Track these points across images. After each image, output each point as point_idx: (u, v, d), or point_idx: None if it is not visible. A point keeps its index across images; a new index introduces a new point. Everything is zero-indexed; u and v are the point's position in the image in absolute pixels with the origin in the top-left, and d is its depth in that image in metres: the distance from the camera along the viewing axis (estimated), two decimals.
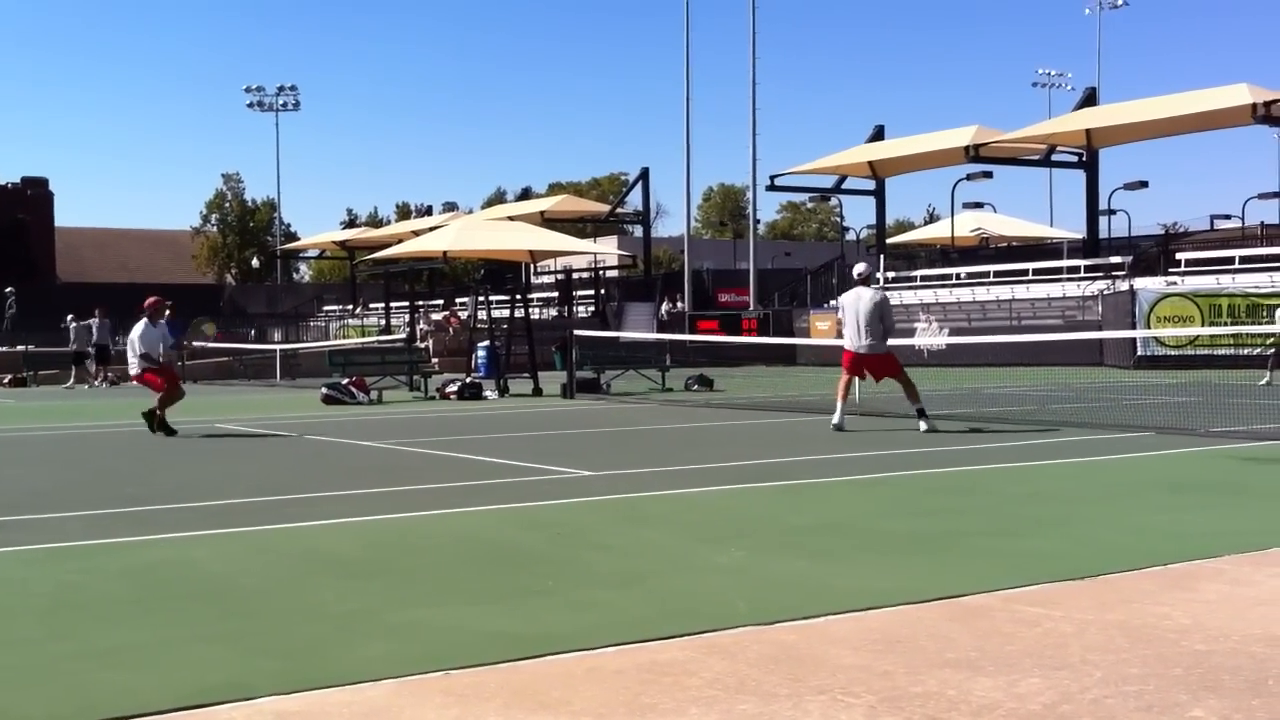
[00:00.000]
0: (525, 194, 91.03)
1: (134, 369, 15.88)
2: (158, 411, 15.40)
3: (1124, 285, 32.94)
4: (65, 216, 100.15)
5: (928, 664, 4.38)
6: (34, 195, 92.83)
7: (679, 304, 47.63)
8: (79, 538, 7.47)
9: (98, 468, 12.00)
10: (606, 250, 52.51)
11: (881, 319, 14.50)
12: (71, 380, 33.62)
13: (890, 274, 43.28)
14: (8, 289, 39.99)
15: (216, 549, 7.05)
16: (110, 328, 34.51)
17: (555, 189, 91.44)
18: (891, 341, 14.98)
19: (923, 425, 13.85)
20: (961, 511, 8.15)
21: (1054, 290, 35.85)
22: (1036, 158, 42.87)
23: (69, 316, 34.48)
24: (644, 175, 49.74)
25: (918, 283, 41.86)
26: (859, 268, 15.51)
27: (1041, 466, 10.73)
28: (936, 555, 6.54)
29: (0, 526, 7.95)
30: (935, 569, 6.12)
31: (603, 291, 48.67)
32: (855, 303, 14.63)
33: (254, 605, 5.55)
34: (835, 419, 14.23)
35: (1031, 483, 9.70)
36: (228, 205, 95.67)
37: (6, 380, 33.81)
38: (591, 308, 47.64)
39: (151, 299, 16.40)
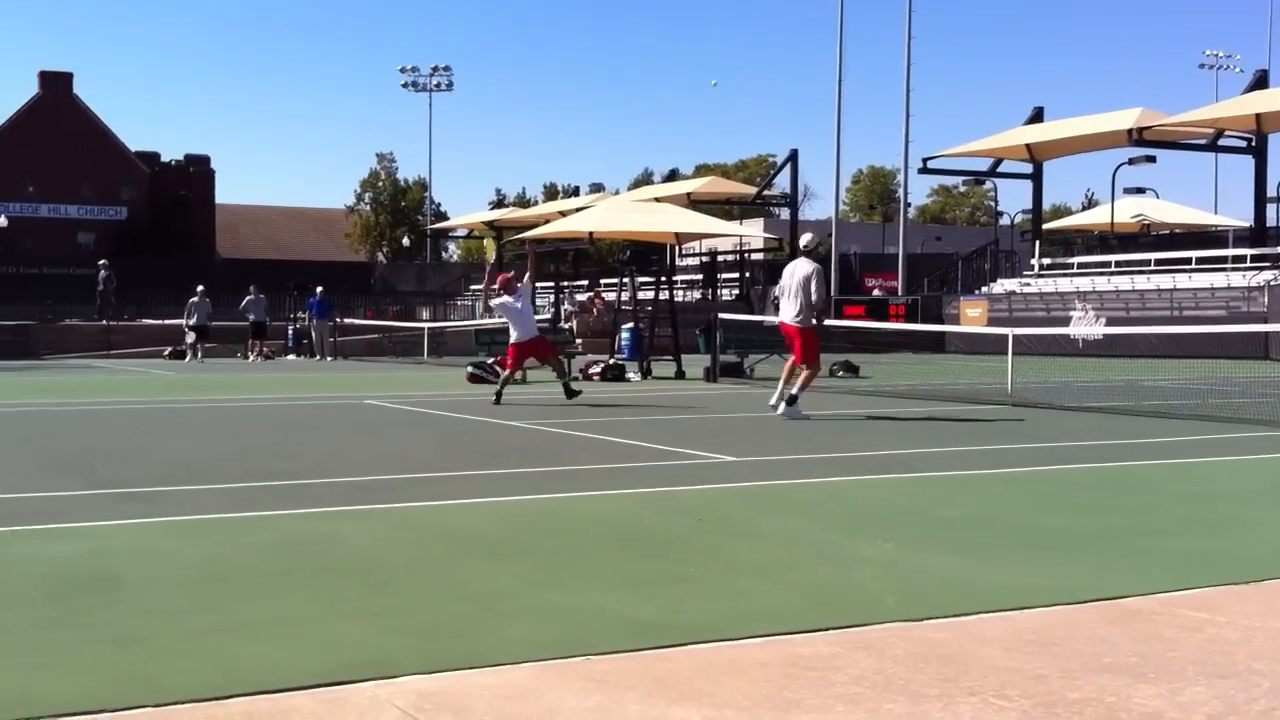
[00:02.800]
0: (672, 175, 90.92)
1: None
2: (504, 388, 16.59)
3: None
4: (225, 194, 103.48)
5: (1084, 669, 4.19)
6: (196, 172, 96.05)
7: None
8: (228, 510, 7.61)
9: (246, 441, 12.28)
10: (752, 233, 52.23)
11: (804, 291, 13.99)
12: (246, 352, 34.60)
13: (1045, 260, 42.27)
14: (102, 262, 41.04)
15: (360, 524, 7.12)
16: (264, 304, 35.47)
17: (702, 170, 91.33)
18: (1046, 330, 14.62)
19: (780, 408, 13.92)
20: (1119, 509, 7.84)
21: (1218, 280, 34.59)
22: (1202, 142, 41.41)
23: (252, 287, 35.35)
24: (793, 157, 49.32)
25: (1074, 270, 40.79)
26: (803, 238, 15.30)
27: (1204, 464, 10.30)
28: (1093, 554, 6.28)
29: (152, 497, 8.15)
30: (1092, 568, 5.88)
31: (747, 274, 48.41)
32: (790, 274, 14.35)
33: (396, 582, 5.57)
34: (772, 399, 14.21)
35: (1193, 480, 9.31)
36: (380, 184, 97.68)
37: (167, 353, 34.95)
38: (736, 291, 47.44)
39: (503, 276, 17.70)
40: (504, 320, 17.82)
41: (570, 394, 16.67)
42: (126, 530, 6.92)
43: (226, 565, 5.92)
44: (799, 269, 14.28)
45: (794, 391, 14.04)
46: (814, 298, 14.02)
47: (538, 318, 18.88)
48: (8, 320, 38.37)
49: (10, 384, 21.96)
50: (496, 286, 17.22)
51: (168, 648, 4.44)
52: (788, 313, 14.30)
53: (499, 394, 16.25)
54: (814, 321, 14.26)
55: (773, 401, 14.30)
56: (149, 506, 7.68)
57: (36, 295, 44.79)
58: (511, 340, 16.94)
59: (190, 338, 33.31)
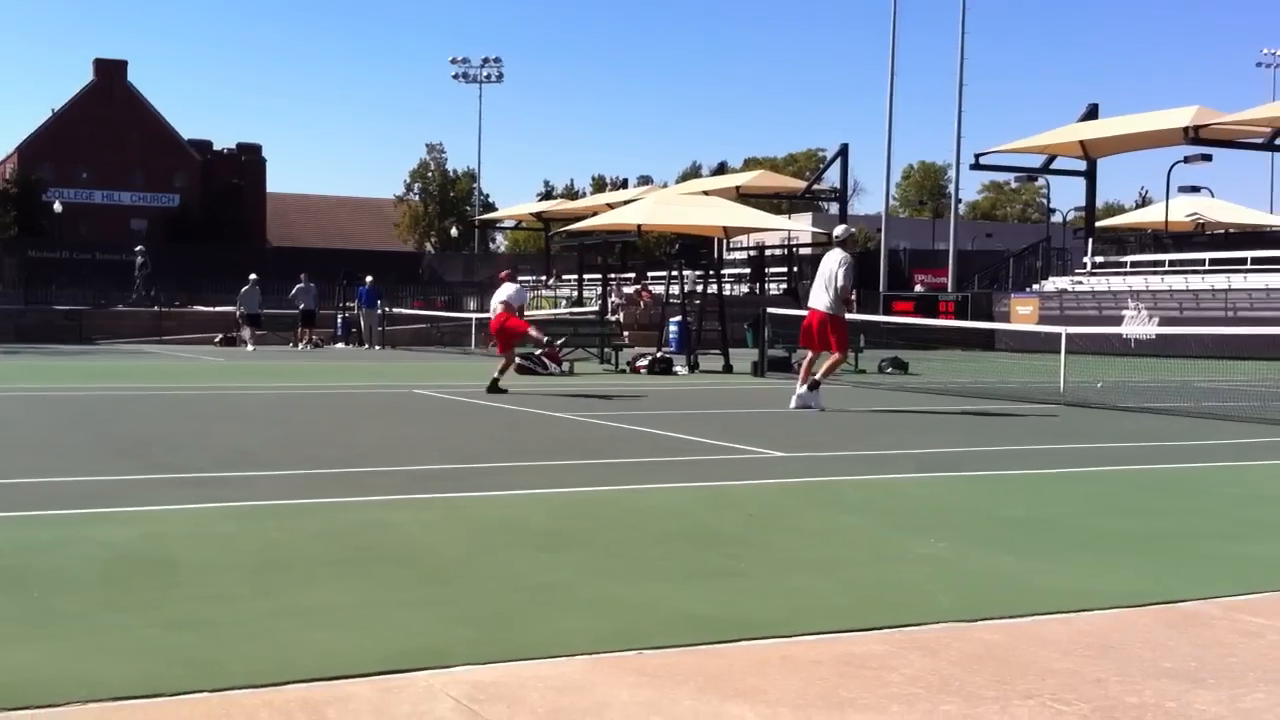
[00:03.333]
0: (721, 169, 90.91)
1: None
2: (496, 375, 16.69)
3: None
4: (277, 182, 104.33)
5: (1143, 673, 4.14)
6: (248, 161, 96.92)
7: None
8: (284, 496, 7.67)
9: (299, 428, 12.37)
10: (801, 227, 52.05)
11: (835, 279, 14.35)
12: (296, 340, 34.85)
13: (1099, 258, 41.87)
14: (138, 248, 41.39)
15: (414, 513, 7.15)
16: (315, 293, 35.69)
17: (751, 164, 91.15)
18: (1099, 329, 14.62)
19: (795, 399, 14.18)
20: (1178, 511, 7.75)
21: (1274, 281, 34.12)
22: (1260, 141, 40.85)
23: (302, 276, 35.56)
24: (843, 151, 49.14)
25: (1127, 269, 40.37)
26: (836, 229, 15.63)
27: (1264, 467, 10.15)
28: (1151, 557, 6.21)
29: (208, 483, 8.22)
30: (1150, 571, 5.81)
31: (795, 269, 48.26)
32: (823, 264, 14.80)
33: (451, 571, 5.58)
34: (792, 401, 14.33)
35: (1253, 484, 9.19)
36: (430, 175, 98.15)
37: (218, 339, 35.25)
38: (784, 285, 47.30)
39: (505, 272, 18.20)
40: (552, 312, 17.93)
41: (493, 387, 16.58)
42: (183, 515, 6.98)
43: (283, 551, 5.96)
44: (830, 259, 14.56)
45: (817, 377, 14.23)
46: (839, 285, 14.28)
47: (584, 309, 19.02)
48: (62, 305, 38.86)
49: (65, 368, 22.24)
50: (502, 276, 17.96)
51: (225, 633, 4.47)
52: (819, 299, 14.48)
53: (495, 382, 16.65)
54: (843, 310, 14.47)
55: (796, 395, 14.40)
56: (205, 492, 7.75)
57: (90, 281, 45.33)
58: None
59: (245, 329, 33.50)
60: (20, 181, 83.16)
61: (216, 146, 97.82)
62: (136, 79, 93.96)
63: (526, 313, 17.31)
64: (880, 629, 4.64)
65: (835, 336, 14.36)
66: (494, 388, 16.45)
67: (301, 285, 35.39)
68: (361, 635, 4.46)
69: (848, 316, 14.87)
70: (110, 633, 4.46)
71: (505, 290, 17.26)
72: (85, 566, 5.56)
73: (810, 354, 14.56)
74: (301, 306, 35.31)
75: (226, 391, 17.27)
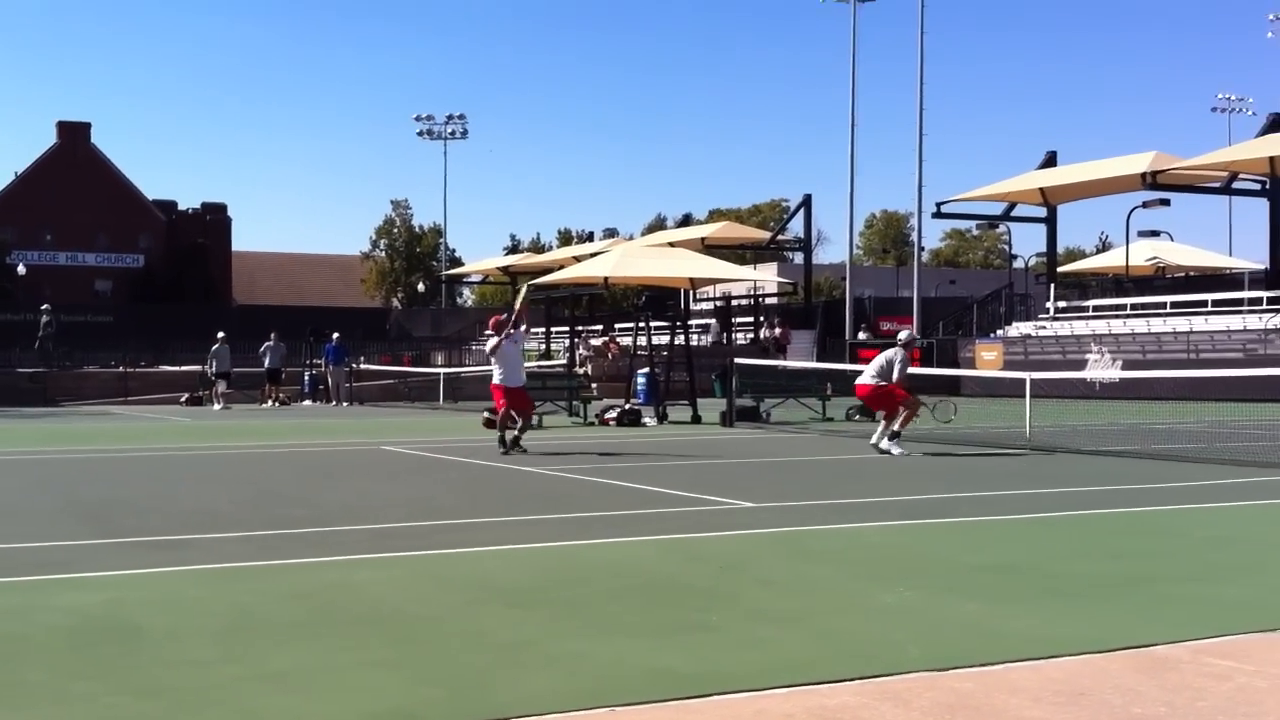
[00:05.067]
0: (686, 220, 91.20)
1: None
2: (504, 431, 16.00)
3: None
4: (242, 241, 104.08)
5: (1114, 719, 4.15)
6: (213, 220, 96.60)
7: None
8: (250, 558, 7.61)
9: (265, 488, 12.28)
10: (767, 277, 52.29)
11: (890, 370, 16.13)
12: (263, 399, 34.66)
13: (1061, 303, 42.18)
14: (44, 307, 41.05)
15: (380, 572, 7.10)
16: (283, 351, 35.56)
17: (716, 215, 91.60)
18: (1063, 374, 15.16)
19: (889, 446, 15.49)
20: (1145, 555, 7.78)
21: (1234, 323, 34.46)
22: (1216, 186, 41.39)
23: (272, 335, 35.42)
24: (806, 202, 49.47)
25: (1090, 313, 40.67)
26: (901, 334, 17.23)
27: (1229, 508, 10.22)
28: (1120, 601, 6.23)
29: (173, 546, 8.15)
30: (1119, 616, 5.83)
31: (762, 319, 48.44)
32: (881, 355, 16.69)
33: (419, 631, 5.55)
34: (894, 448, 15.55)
35: (1219, 526, 9.25)
36: (396, 231, 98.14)
37: (184, 399, 35.01)
38: (751, 335, 47.45)
39: (495, 318, 17.47)
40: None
41: (513, 445, 15.78)
42: (148, 580, 6.92)
43: (250, 615, 5.91)
44: (888, 354, 16.37)
45: (895, 428, 15.72)
46: (895, 374, 16.05)
47: (552, 362, 18.63)
48: (26, 367, 38.52)
49: (28, 431, 22.03)
50: (489, 329, 17.18)
51: (191, 699, 4.42)
52: (867, 376, 16.32)
53: (504, 439, 15.80)
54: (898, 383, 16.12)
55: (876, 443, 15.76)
56: (171, 555, 7.68)
57: (54, 342, 44.94)
58: (498, 381, 16.24)
59: (221, 385, 33.29)
60: None
61: (181, 206, 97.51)
62: (100, 140, 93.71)
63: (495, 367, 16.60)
64: (852, 680, 4.63)
65: (895, 397, 15.94)
66: (513, 444, 15.83)
67: (270, 343, 35.25)
68: (330, 699, 4.42)
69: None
70: (74, 702, 4.40)
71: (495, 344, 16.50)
72: (48, 634, 5.49)
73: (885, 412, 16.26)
74: (268, 365, 35.15)
75: (193, 452, 17.14)
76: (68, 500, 11.14)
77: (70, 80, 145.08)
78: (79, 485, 12.54)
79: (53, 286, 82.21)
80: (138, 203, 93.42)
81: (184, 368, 38.56)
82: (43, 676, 4.74)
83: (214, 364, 33.43)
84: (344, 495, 11.34)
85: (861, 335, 45.64)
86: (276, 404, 34.33)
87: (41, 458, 16.15)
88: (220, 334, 34.04)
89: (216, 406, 32.58)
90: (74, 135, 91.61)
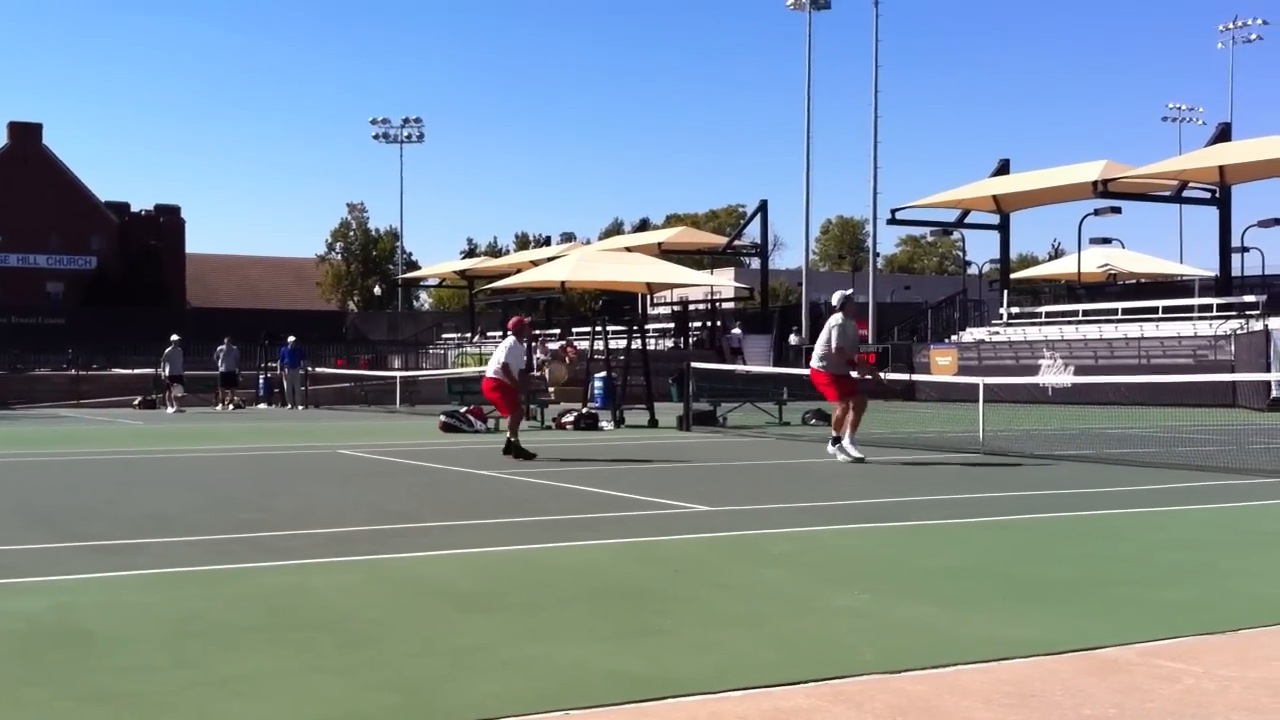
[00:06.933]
0: (643, 225, 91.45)
1: (491, 372, 15.89)
2: (510, 437, 15.53)
3: (1258, 325, 31.94)
4: (196, 243, 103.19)
5: None
6: (166, 222, 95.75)
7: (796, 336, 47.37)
8: (202, 563, 7.54)
9: (219, 492, 12.17)
10: (723, 282, 52.41)
11: (823, 342, 15.35)
12: (218, 401, 34.40)
13: (1014, 309, 42.53)
14: None
15: (334, 577, 7.06)
16: (237, 355, 35.31)
17: (673, 220, 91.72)
18: (1016, 379, 15.06)
19: (831, 450, 15.01)
20: (1095, 558, 7.85)
21: (1184, 329, 34.89)
22: (1167, 194, 41.88)
23: (225, 339, 35.12)
24: (763, 207, 49.68)
25: (1042, 319, 41.04)
26: (834, 296, 16.09)
27: (1178, 512, 10.34)
28: (1070, 604, 6.29)
29: (123, 550, 8.07)
30: (1069, 618, 5.88)
31: (719, 323, 48.57)
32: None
33: (371, 636, 5.52)
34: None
35: (1168, 529, 9.36)
36: (352, 234, 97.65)
37: (136, 402, 34.70)
38: (707, 339, 47.58)
39: (515, 319, 16.80)
40: (477, 370, 17.24)
41: (519, 451, 15.41)
42: (97, 584, 6.85)
43: (201, 620, 5.86)
44: (826, 322, 15.53)
45: (834, 432, 15.14)
46: (831, 346, 15.21)
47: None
48: None
49: None
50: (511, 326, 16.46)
51: (142, 705, 4.38)
52: (814, 360, 15.50)
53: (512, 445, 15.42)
54: (835, 366, 15.15)
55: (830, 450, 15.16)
56: (121, 559, 7.60)
57: (5, 345, 44.45)
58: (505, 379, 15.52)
59: (176, 390, 32.99)
60: None
61: (134, 208, 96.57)
62: (52, 141, 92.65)
63: (455, 369, 16.39)
64: (805, 683, 4.65)
65: (833, 388, 15.23)
66: (517, 450, 15.35)
67: (224, 347, 34.99)
68: (282, 704, 4.39)
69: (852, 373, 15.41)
70: (23, 708, 4.35)
71: (504, 349, 15.88)
72: None
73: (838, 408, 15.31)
74: (222, 368, 34.90)
75: (145, 456, 16.98)
76: (16, 504, 11.01)
77: (22, 80, 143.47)
78: (28, 489, 12.40)
79: (3, 289, 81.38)
80: (90, 204, 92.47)
81: (137, 371, 38.23)
82: None
83: (167, 367, 33.15)
84: (298, 499, 11.27)
85: (793, 339, 45.96)
86: (231, 407, 34.08)
87: None
88: (174, 337, 33.77)
89: (170, 410, 32.31)
90: (25, 136, 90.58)
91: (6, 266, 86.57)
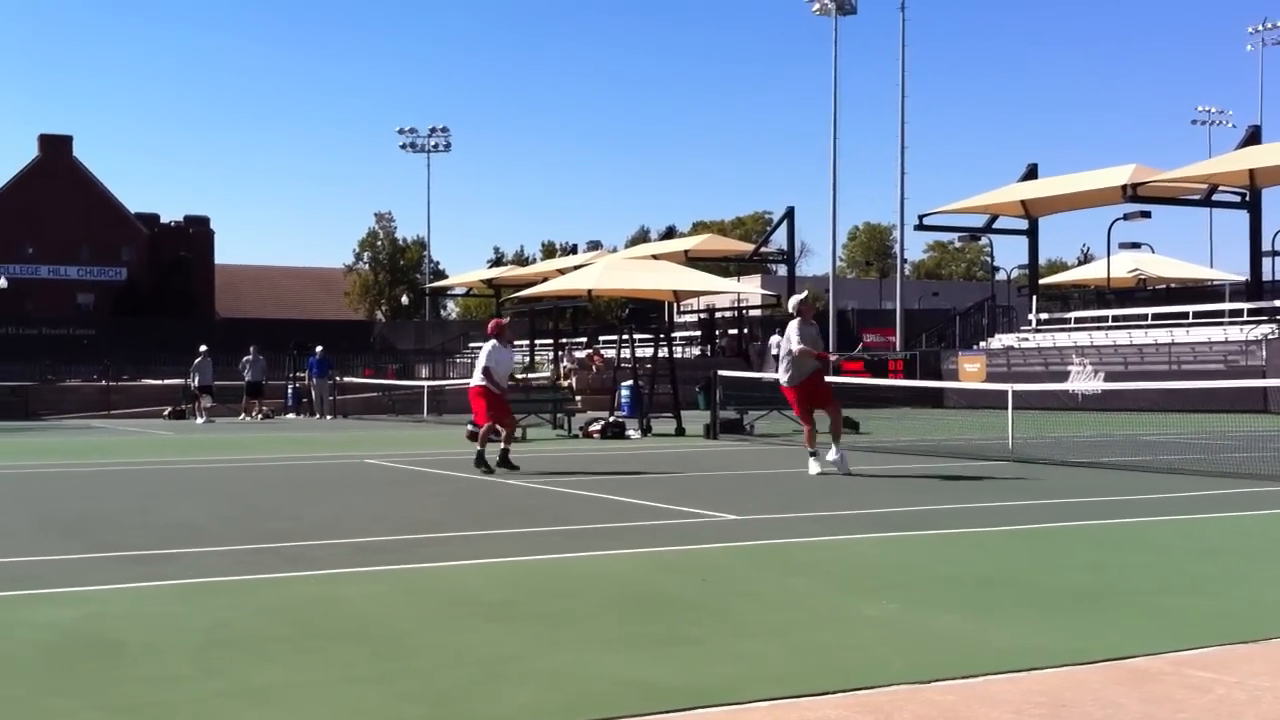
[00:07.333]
0: (669, 233, 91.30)
1: (475, 380, 15.42)
2: (479, 447, 14.90)
3: None
4: (225, 254, 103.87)
5: None
6: (196, 233, 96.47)
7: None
8: (231, 573, 7.57)
9: (248, 502, 12.23)
10: (750, 289, 52.36)
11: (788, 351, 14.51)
12: (245, 411, 34.52)
13: (1043, 315, 42.32)
14: None
15: (363, 587, 7.08)
16: (263, 365, 35.43)
17: (699, 228, 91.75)
18: (1045, 386, 14.75)
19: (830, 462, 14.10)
20: (1126, 566, 7.80)
21: (1215, 334, 34.63)
22: (1197, 198, 41.59)
23: (251, 349, 35.26)
24: (789, 214, 49.62)
25: (1071, 325, 40.82)
26: (790, 301, 15.50)
27: (1210, 520, 10.26)
28: (1101, 613, 6.25)
29: (153, 560, 8.11)
30: (1100, 628, 5.84)
31: (745, 330, 48.50)
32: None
33: (401, 646, 5.53)
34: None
35: (1200, 537, 9.28)
36: (379, 244, 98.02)
37: (166, 413, 34.87)
38: (735, 346, 47.53)
39: (494, 321, 16.42)
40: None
41: (505, 463, 14.86)
42: (128, 594, 6.88)
43: (230, 630, 5.88)
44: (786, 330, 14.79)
45: (811, 447, 14.38)
46: (783, 350, 14.62)
47: (535, 375, 17.87)
48: (7, 381, 38.35)
49: (9, 445, 21.91)
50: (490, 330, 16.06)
51: (171, 715, 4.39)
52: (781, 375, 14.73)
53: (504, 457, 14.91)
54: (801, 371, 14.40)
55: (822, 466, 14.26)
56: (151, 570, 7.64)
57: (36, 356, 44.82)
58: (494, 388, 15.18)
59: (205, 400, 33.16)
60: None
61: (164, 219, 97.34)
62: (82, 154, 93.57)
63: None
64: (833, 693, 4.63)
65: (798, 406, 14.59)
66: (504, 462, 14.84)
67: (250, 357, 35.13)
68: (311, 714, 4.40)
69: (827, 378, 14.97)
70: (52, 718, 4.37)
71: (484, 353, 15.57)
72: (25, 650, 5.46)
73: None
74: (248, 378, 35.03)
75: (175, 466, 17.07)
76: (47, 515, 11.08)
77: (52, 93, 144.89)
78: (59, 500, 12.48)
79: (34, 300, 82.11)
80: (120, 216, 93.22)
81: (166, 381, 38.44)
82: (20, 692, 4.71)
83: (196, 377, 33.33)
84: (326, 509, 11.31)
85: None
86: (259, 417, 34.20)
87: (21, 472, 16.06)
88: (203, 347, 33.90)
89: (199, 420, 32.47)
90: (56, 148, 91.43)
91: (37, 278, 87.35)
